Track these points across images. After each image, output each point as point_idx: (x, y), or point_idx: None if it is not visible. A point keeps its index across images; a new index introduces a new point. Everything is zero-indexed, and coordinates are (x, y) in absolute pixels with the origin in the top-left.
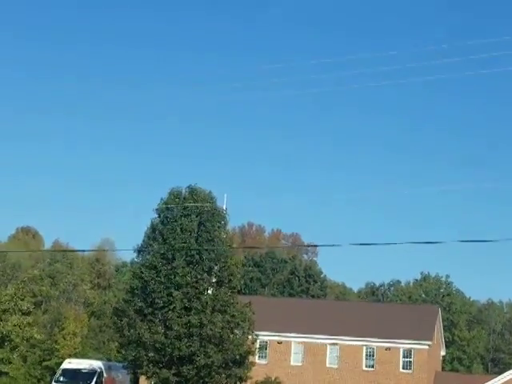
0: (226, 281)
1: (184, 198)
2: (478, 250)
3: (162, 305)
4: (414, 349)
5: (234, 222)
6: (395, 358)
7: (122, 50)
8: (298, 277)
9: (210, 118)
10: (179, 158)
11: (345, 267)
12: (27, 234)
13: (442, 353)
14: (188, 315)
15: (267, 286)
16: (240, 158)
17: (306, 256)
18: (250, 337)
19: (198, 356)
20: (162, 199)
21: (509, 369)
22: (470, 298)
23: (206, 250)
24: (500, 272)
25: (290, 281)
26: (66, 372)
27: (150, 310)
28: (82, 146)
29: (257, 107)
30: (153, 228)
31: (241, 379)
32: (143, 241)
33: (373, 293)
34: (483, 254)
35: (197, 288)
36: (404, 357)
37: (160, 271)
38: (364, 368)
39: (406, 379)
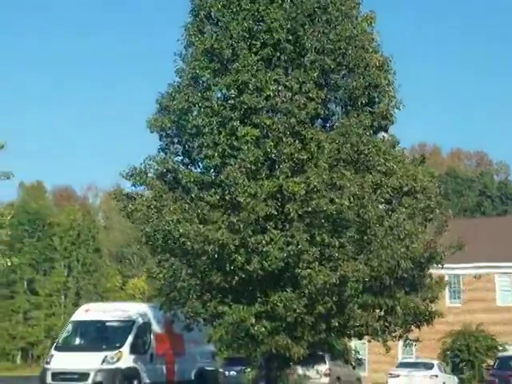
0: (382, 110)
1: None
2: None
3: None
4: None
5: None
6: None
7: None
8: (491, 197)
9: None
10: None
11: None
12: None
13: None
14: (303, 172)
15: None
16: None
17: (496, 177)
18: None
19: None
20: None
21: None
22: None
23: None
24: None
25: (481, 203)
26: (78, 327)
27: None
28: None
29: None
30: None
31: (428, 321)
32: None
33: None
34: None
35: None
36: None
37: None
38: None
39: None
